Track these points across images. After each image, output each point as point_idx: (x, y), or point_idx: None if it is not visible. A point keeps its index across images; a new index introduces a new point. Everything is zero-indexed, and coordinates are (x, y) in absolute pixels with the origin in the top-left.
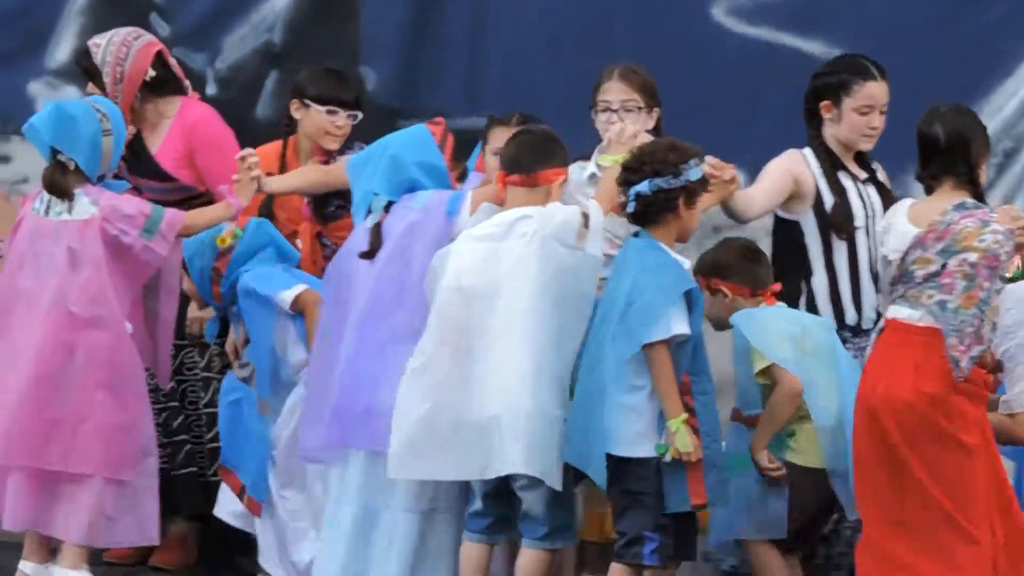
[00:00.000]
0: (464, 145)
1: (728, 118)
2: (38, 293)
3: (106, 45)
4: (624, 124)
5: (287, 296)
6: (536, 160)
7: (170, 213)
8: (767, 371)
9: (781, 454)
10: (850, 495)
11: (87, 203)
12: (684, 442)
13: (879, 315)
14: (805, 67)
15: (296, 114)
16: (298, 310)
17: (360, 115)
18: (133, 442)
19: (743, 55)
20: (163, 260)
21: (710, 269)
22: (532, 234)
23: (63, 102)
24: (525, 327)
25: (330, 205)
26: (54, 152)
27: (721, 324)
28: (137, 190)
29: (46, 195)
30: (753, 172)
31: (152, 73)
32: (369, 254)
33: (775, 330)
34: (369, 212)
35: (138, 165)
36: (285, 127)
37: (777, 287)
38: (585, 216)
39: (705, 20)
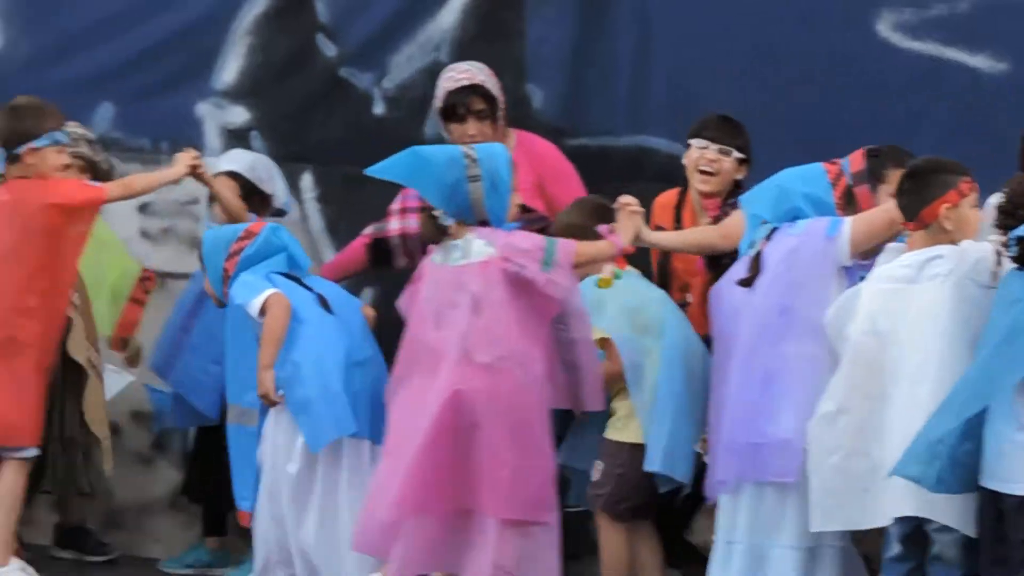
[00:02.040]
0: (627, 165)
1: (892, 133)
2: (443, 342)
3: (480, 74)
4: None
5: (256, 303)
6: (912, 203)
7: (562, 242)
8: (603, 341)
9: (605, 431)
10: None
11: (482, 245)
12: None
13: None
14: (969, 82)
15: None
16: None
17: (737, 155)
18: (535, 488)
19: (908, 70)
20: (565, 290)
21: (564, 229)
22: (946, 275)
23: (424, 148)
24: (939, 371)
25: (724, 257)
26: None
27: None
28: None
29: (460, 245)
30: None
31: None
32: (747, 282)
33: (615, 302)
34: (752, 244)
35: None
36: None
37: (630, 250)
38: (998, 252)
39: (870, 35)
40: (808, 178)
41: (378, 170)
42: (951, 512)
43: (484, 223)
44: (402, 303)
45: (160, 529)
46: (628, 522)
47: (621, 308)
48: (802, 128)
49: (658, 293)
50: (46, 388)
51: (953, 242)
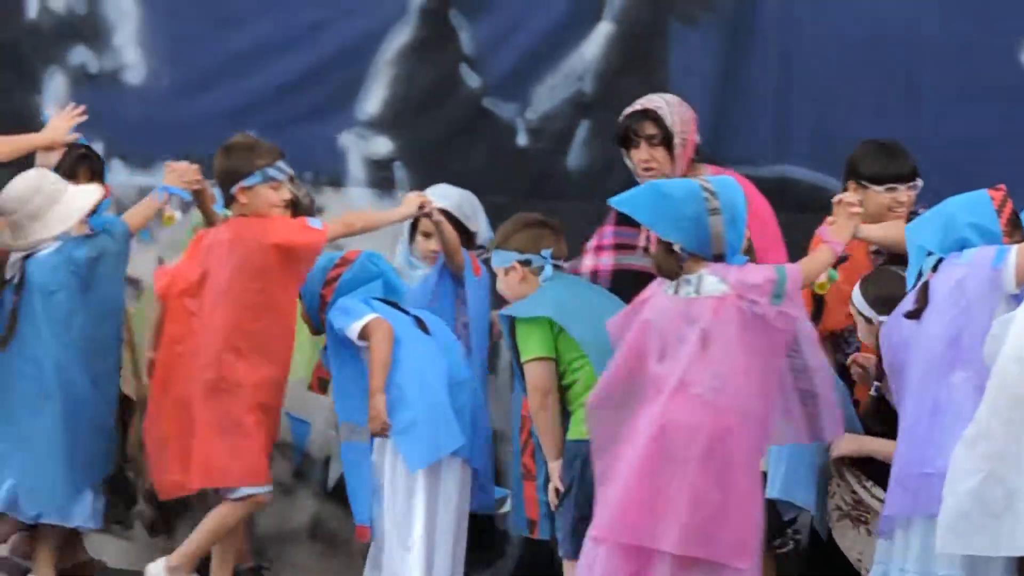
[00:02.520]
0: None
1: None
2: (665, 375)
3: (668, 109)
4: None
5: (355, 327)
6: None
7: (791, 269)
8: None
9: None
10: None
11: (715, 282)
12: None
13: None
14: None
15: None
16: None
17: (920, 183)
18: (733, 530)
19: None
20: (795, 321)
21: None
22: None
23: (662, 182)
24: None
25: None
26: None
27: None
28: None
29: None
30: None
31: (698, 139)
32: (915, 314)
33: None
34: (920, 275)
35: None
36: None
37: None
38: None
39: (1014, 65)
40: (973, 206)
41: (619, 202)
42: None
43: (720, 257)
44: (614, 326)
45: (300, 558)
46: None
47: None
48: (945, 158)
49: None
50: (268, 429)
51: None
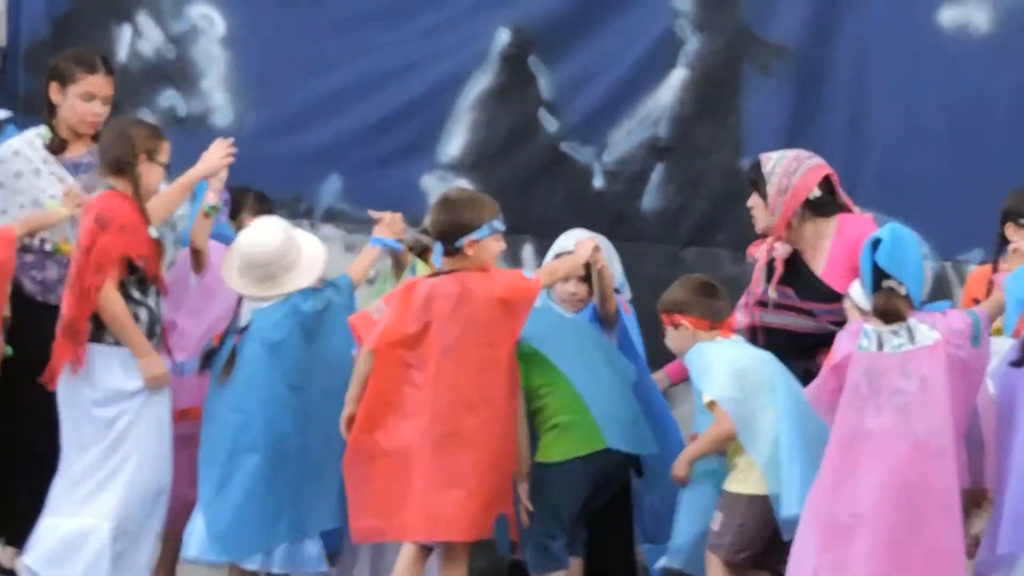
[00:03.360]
0: None
1: None
2: (889, 427)
3: (779, 158)
4: None
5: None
6: None
7: (982, 314)
8: (711, 404)
9: (725, 484)
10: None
11: (926, 329)
12: None
13: None
14: None
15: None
16: None
17: None
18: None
19: None
20: (986, 362)
21: (671, 305)
22: None
23: (897, 226)
24: None
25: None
26: (879, 275)
27: (683, 354)
28: (808, 313)
29: (870, 329)
30: None
31: (817, 193)
32: (1019, 363)
33: (720, 366)
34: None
35: (801, 285)
36: None
37: (733, 321)
38: None
39: None
40: None
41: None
42: None
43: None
44: (813, 395)
45: None
46: (745, 571)
47: (730, 372)
48: (995, 196)
49: (764, 354)
50: (496, 486)
51: None
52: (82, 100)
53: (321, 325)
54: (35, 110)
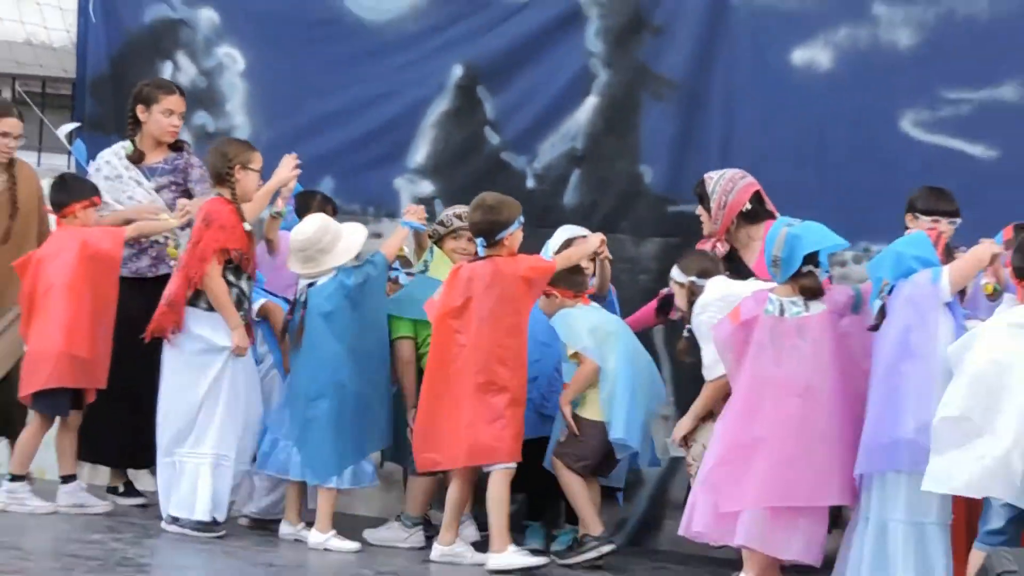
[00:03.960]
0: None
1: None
2: (784, 376)
3: (718, 179)
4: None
5: (254, 307)
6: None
7: (865, 289)
8: (576, 355)
9: (575, 409)
10: (614, 440)
11: (816, 301)
12: None
13: None
14: (969, 167)
15: (909, 224)
16: (263, 316)
17: (959, 220)
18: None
19: (922, 157)
20: (866, 326)
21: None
22: None
23: (813, 224)
24: None
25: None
26: (806, 262)
27: (552, 317)
28: None
29: (775, 298)
30: None
31: (748, 206)
32: (876, 327)
33: (580, 325)
34: (879, 298)
35: (739, 274)
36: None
37: (592, 291)
38: None
39: (895, 130)
40: (917, 243)
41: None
42: None
43: None
44: (721, 334)
45: (365, 491)
46: (582, 475)
47: (587, 328)
48: (844, 200)
49: (612, 316)
50: (520, 419)
51: None
52: (164, 116)
53: (362, 295)
54: (98, 128)
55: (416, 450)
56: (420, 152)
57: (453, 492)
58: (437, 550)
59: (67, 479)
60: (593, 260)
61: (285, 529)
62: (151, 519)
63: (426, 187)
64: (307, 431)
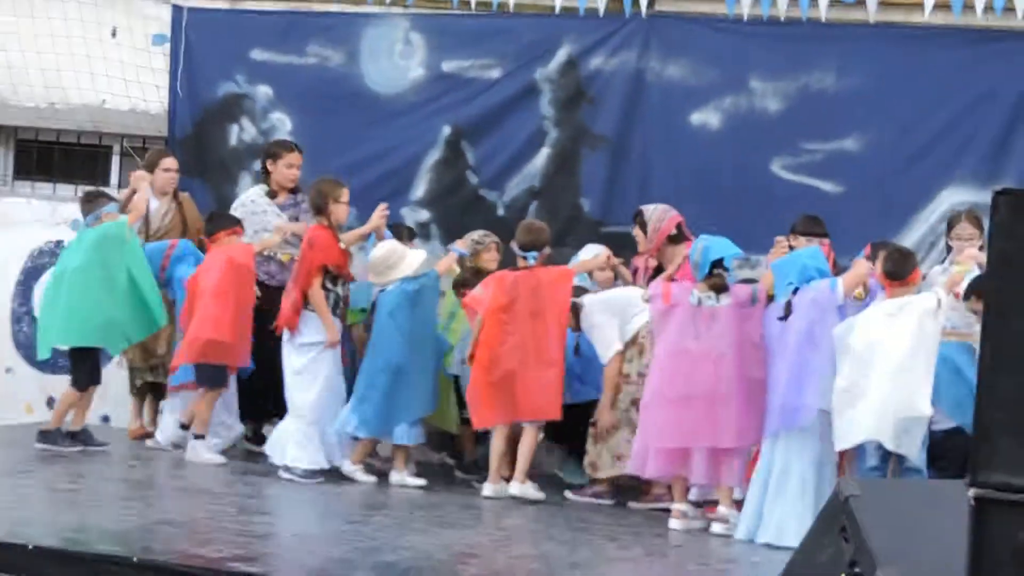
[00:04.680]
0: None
1: (779, 229)
2: (700, 348)
3: (652, 210)
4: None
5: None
6: (899, 271)
7: (761, 287)
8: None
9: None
10: None
11: (725, 296)
12: None
13: None
14: (823, 199)
15: (793, 244)
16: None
17: (828, 240)
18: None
19: (788, 191)
20: (761, 314)
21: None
22: (917, 313)
23: (720, 239)
24: (901, 361)
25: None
26: (714, 265)
27: None
28: None
29: (696, 292)
30: None
31: (673, 232)
32: (784, 318)
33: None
34: (785, 295)
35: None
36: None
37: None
38: (939, 300)
39: (767, 171)
40: (815, 256)
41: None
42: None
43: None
44: (655, 310)
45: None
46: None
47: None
48: (728, 223)
49: (451, 299)
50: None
51: (912, 294)
52: (286, 167)
53: (419, 299)
54: (185, 174)
55: (473, 411)
56: (419, 189)
57: (524, 447)
58: (490, 488)
59: (199, 437)
60: (613, 268)
61: (347, 468)
62: (268, 469)
63: (424, 215)
64: (368, 396)
